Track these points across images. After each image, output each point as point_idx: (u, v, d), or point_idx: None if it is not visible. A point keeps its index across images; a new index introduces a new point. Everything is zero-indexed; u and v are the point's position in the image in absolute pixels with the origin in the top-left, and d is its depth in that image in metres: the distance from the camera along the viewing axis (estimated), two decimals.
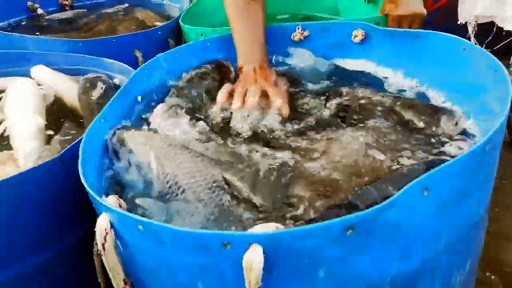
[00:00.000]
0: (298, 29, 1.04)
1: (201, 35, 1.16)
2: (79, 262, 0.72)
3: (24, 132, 0.88)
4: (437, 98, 0.83)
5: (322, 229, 0.43)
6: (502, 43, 1.48)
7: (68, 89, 1.04)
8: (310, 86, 0.95)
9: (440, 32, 0.84)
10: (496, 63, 0.68)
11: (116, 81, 1.07)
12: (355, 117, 0.80)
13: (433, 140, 0.68)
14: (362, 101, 0.82)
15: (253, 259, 0.43)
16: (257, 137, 0.76)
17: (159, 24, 1.46)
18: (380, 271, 0.48)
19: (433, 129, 0.70)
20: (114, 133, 0.71)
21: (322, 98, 0.87)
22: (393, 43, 0.92)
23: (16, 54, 1.10)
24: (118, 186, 0.67)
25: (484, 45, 1.49)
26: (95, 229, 0.69)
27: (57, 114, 0.98)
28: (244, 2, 0.96)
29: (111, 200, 0.53)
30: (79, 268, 0.74)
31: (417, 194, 0.46)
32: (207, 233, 0.44)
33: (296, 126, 0.79)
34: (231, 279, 0.47)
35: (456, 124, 0.70)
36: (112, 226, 0.52)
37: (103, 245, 0.53)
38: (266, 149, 0.70)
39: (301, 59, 1.03)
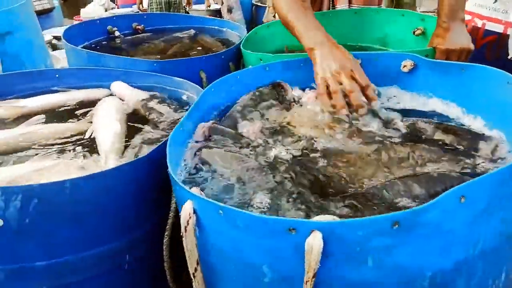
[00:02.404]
0: None
1: (260, 59, 1.29)
2: (152, 246, 0.84)
3: (106, 136, 1.03)
4: (479, 126, 0.89)
5: (372, 222, 0.52)
6: None
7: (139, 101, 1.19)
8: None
9: (485, 66, 0.91)
10: None
11: (184, 97, 1.22)
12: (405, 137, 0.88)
13: (471, 159, 0.76)
14: (409, 123, 0.91)
15: (314, 243, 0.52)
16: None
17: (220, 48, 1.62)
18: (420, 265, 0.56)
19: (472, 152, 0.77)
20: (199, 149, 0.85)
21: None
22: (440, 74, 1.00)
23: (102, 71, 1.27)
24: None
25: None
26: (168, 217, 0.82)
27: (133, 122, 1.13)
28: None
29: (195, 190, 0.65)
30: (152, 252, 0.86)
31: (454, 200, 0.54)
32: (276, 219, 0.54)
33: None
34: (293, 261, 0.56)
35: (494, 150, 0.77)
36: (194, 212, 0.63)
37: (185, 228, 0.63)
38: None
39: None
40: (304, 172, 0.76)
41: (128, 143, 1.01)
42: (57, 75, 1.25)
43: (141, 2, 4.18)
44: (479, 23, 1.47)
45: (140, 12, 4.04)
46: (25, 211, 0.68)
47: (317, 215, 0.59)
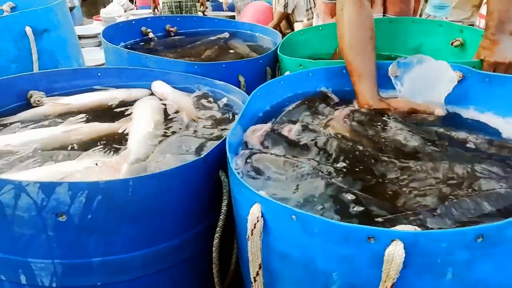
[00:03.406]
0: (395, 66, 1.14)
1: (300, 65, 1.29)
2: (201, 248, 0.84)
3: (138, 134, 1.03)
4: None
5: (456, 234, 0.51)
6: None
7: (183, 102, 1.19)
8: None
9: None
10: None
11: (225, 100, 1.22)
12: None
13: None
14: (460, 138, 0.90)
15: (395, 253, 0.51)
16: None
17: (252, 53, 1.62)
18: (501, 282, 0.55)
19: None
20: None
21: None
22: (491, 86, 0.99)
23: (143, 71, 1.28)
24: None
25: None
26: (219, 221, 0.82)
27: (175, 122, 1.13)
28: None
29: (263, 193, 0.64)
30: (200, 253, 0.86)
31: None
32: (355, 226, 0.54)
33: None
34: (367, 270, 0.55)
35: None
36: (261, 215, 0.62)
37: (252, 231, 0.63)
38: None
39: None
40: (363, 183, 0.75)
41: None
42: (99, 74, 1.26)
43: (155, 7, 4.21)
44: None
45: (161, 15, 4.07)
46: (88, 207, 0.68)
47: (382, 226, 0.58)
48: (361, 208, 0.68)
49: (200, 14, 4.15)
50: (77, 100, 1.17)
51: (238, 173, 0.82)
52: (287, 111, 1.05)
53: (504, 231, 0.51)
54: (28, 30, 1.54)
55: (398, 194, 0.73)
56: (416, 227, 0.54)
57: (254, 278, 0.67)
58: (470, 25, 2.01)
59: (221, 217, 0.83)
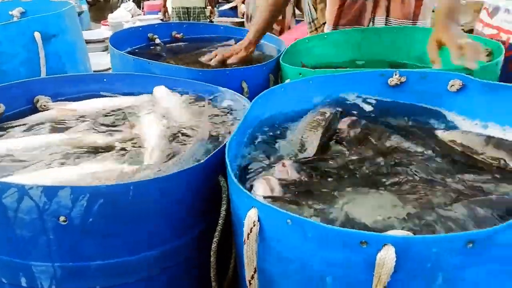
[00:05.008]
0: (396, 75, 1.15)
1: (300, 74, 1.31)
2: (200, 251, 0.85)
3: (152, 135, 1.04)
4: None
5: (447, 239, 0.52)
6: None
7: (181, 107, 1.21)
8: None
9: None
10: None
11: (226, 105, 1.24)
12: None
13: None
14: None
15: (386, 257, 0.52)
16: None
17: (257, 60, 1.64)
18: (492, 287, 0.55)
19: None
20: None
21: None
22: (491, 95, 0.99)
23: (148, 77, 1.30)
24: None
25: None
26: (218, 226, 0.83)
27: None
28: None
29: (260, 198, 0.66)
30: (198, 257, 0.87)
31: None
32: (348, 231, 0.55)
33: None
34: (360, 275, 0.56)
35: None
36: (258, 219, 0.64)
37: (248, 235, 0.64)
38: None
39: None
40: (359, 188, 0.76)
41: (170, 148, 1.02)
42: (105, 79, 1.28)
43: (165, 12, 4.26)
44: (504, 37, 1.53)
45: (168, 21, 4.12)
46: (89, 211, 0.70)
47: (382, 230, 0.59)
48: (357, 213, 0.70)
49: (208, 20, 4.20)
50: (82, 105, 1.19)
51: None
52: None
53: (494, 237, 0.52)
54: (37, 35, 1.57)
55: (394, 199, 0.74)
56: (409, 232, 0.55)
57: (249, 281, 0.68)
58: (470, 29, 2.02)
59: (220, 221, 0.84)
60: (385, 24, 1.73)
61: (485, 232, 0.52)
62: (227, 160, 0.75)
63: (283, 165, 0.83)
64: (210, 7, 4.17)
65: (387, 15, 1.73)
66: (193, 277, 0.93)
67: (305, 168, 0.84)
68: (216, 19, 4.59)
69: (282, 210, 0.60)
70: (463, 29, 1.49)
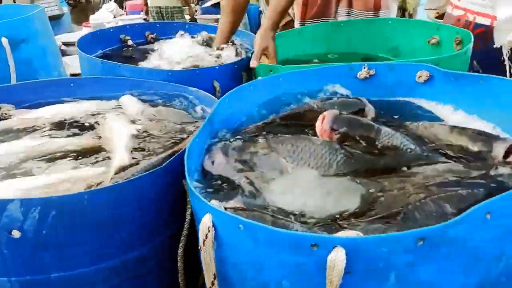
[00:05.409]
0: (365, 68, 1.14)
1: (271, 70, 1.29)
2: (167, 257, 0.84)
3: (118, 137, 1.02)
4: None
5: (397, 238, 0.51)
6: None
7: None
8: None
9: (504, 77, 0.90)
10: None
11: (198, 107, 1.22)
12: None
13: (491, 170, 0.75)
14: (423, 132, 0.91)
15: (336, 259, 0.51)
16: None
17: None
18: (444, 283, 0.55)
19: (486, 154, 0.78)
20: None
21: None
22: (457, 85, 0.99)
23: (116, 80, 1.28)
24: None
25: None
26: (183, 231, 0.81)
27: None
28: None
29: (215, 203, 0.64)
30: (166, 263, 0.85)
31: (480, 216, 0.53)
32: (298, 234, 0.54)
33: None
34: (314, 278, 0.55)
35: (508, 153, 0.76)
36: (213, 225, 0.62)
37: (203, 241, 0.63)
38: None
39: None
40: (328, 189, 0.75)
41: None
42: (72, 84, 1.26)
43: (147, 11, 4.21)
44: (470, 17, 1.60)
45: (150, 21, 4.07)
46: (43, 223, 0.68)
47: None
48: (316, 216, 0.69)
49: (187, 18, 4.14)
50: (45, 112, 1.16)
51: (199, 183, 0.83)
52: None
53: (444, 233, 0.51)
54: (4, 41, 1.54)
55: (362, 199, 0.73)
56: (359, 233, 0.54)
57: (210, 287, 0.67)
58: (444, 13, 2.05)
59: (185, 226, 0.83)
60: (348, 16, 1.75)
61: (434, 229, 0.51)
62: (185, 163, 0.73)
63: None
64: (187, 7, 4.11)
65: (350, 6, 1.76)
66: (164, 284, 0.92)
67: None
68: (199, 17, 4.55)
69: (234, 215, 0.58)
70: (437, 13, 1.50)
